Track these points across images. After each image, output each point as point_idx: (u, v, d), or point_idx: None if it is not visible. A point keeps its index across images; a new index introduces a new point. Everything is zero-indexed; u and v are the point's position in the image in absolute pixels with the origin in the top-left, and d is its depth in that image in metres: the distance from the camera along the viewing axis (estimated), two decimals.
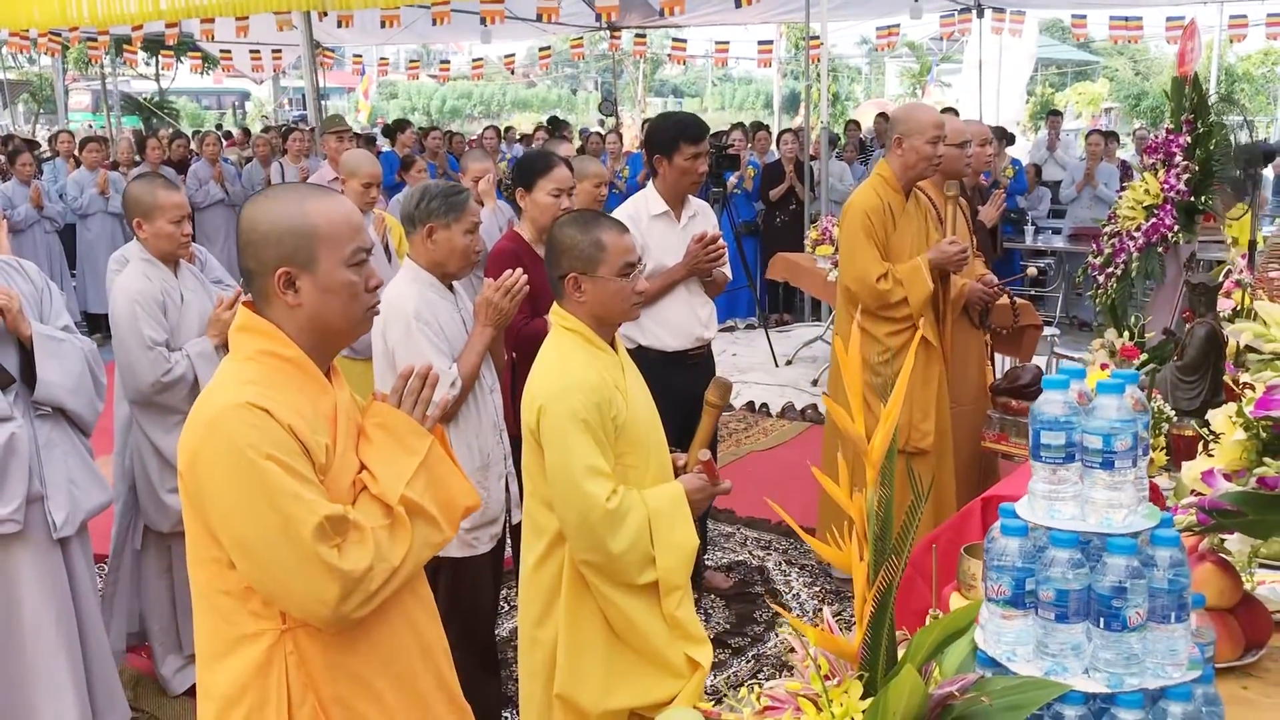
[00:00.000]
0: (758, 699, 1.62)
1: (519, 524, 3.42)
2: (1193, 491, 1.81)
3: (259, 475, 1.81)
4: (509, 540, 3.65)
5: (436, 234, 3.31)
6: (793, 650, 1.63)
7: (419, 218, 3.31)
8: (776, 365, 8.94)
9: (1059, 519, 1.55)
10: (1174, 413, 2.84)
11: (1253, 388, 1.85)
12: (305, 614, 1.88)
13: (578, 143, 13.29)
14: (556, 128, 14.07)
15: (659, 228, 4.32)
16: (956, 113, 12.31)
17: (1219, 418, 1.85)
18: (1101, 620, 1.49)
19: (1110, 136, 11.56)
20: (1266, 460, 1.70)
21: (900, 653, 1.55)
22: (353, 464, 1.98)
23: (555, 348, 2.70)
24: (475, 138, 14.68)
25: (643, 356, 4.23)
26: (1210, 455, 1.91)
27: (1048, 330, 6.98)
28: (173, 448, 3.68)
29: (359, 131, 14.80)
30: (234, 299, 3.79)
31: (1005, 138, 10.76)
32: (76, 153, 10.78)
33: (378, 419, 2.04)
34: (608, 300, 2.66)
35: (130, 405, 3.76)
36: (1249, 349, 1.98)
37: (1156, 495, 2.38)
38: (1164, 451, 2.70)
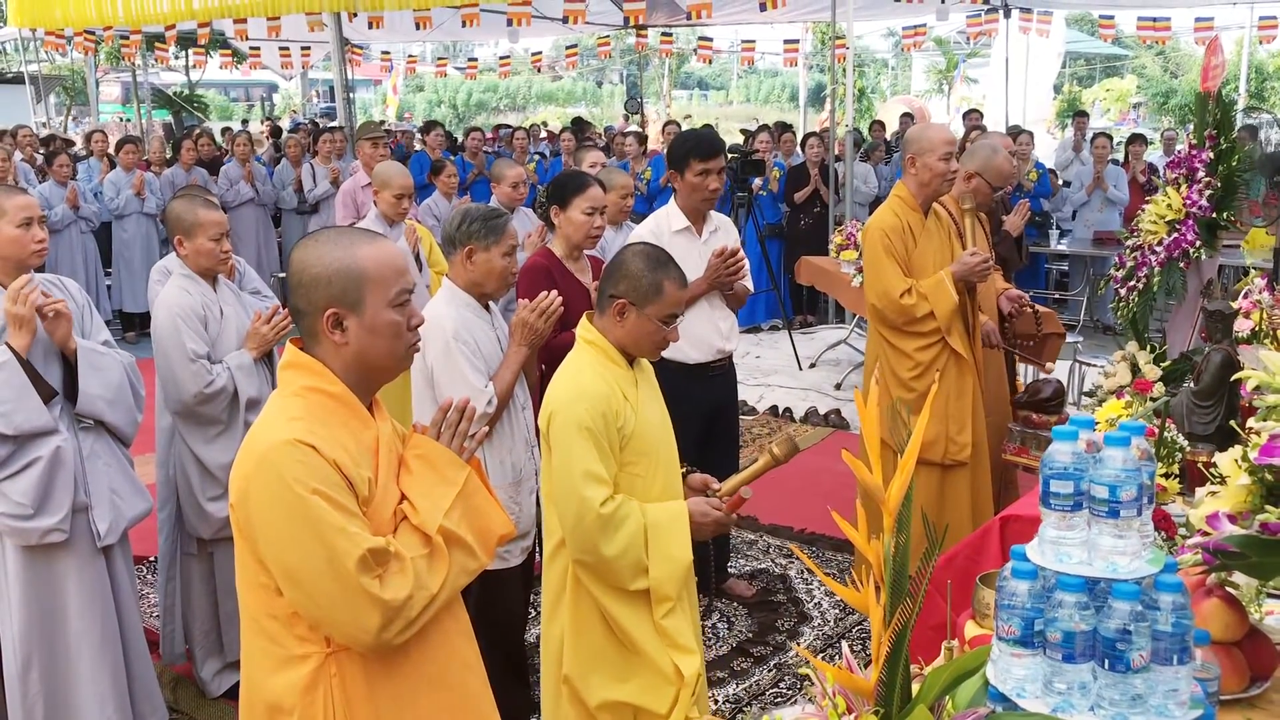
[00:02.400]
0: None
1: None
2: (1199, 532, 1.88)
3: (306, 509, 1.91)
4: (539, 551, 3.75)
5: (475, 255, 3.41)
6: (810, 681, 1.71)
7: (459, 240, 3.41)
8: (800, 369, 9.00)
9: (1067, 563, 1.63)
10: (1187, 438, 2.90)
11: (1258, 433, 1.92)
12: (349, 640, 1.98)
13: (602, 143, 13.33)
14: (581, 130, 14.10)
15: (680, 243, 4.39)
16: (981, 114, 12.39)
17: (1226, 461, 1.91)
18: (1106, 661, 1.57)
19: (1137, 139, 11.52)
20: (1269, 507, 1.77)
21: (915, 689, 1.63)
22: (394, 495, 2.08)
23: (574, 359, 2.87)
24: (492, 132, 14.79)
25: (664, 369, 4.30)
26: (1216, 493, 1.97)
27: (1070, 337, 7.01)
28: (213, 458, 3.81)
29: (391, 129, 14.93)
30: (271, 313, 3.89)
31: (1025, 135, 10.75)
32: (111, 151, 10.93)
33: (417, 450, 2.13)
34: (641, 337, 2.83)
35: (172, 416, 3.87)
36: (1257, 390, 2.04)
37: (1168, 524, 2.45)
38: (1177, 479, 2.76)
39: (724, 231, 4.56)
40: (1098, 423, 2.83)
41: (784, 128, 12.31)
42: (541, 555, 3.71)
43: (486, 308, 3.52)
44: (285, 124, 21.43)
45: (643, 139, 12.44)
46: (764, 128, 11.82)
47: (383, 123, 12.07)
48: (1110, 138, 11.25)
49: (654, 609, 2.76)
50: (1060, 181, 11.09)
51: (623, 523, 2.69)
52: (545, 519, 2.93)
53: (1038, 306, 5.33)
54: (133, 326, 10.46)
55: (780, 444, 2.86)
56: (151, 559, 5.21)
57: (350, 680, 2.02)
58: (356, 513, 1.97)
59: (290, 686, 2.01)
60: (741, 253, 4.43)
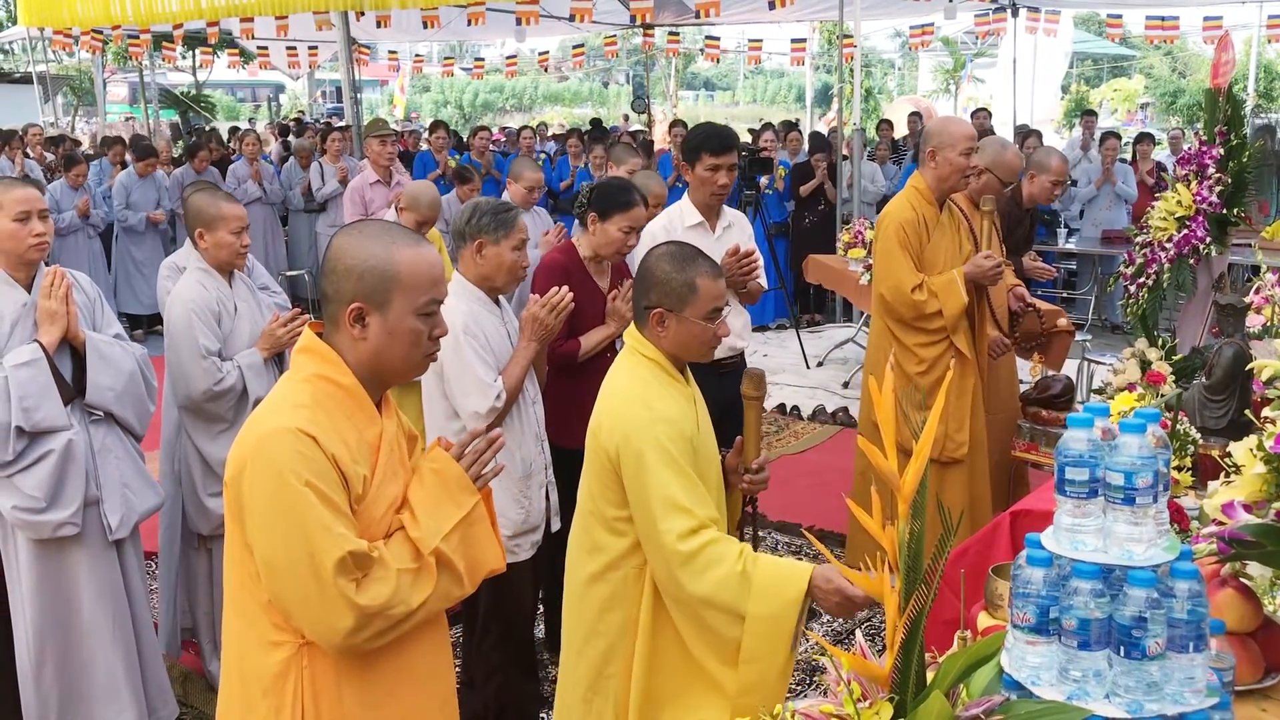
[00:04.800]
0: (792, 717, 1.70)
1: (557, 531, 3.53)
2: (1214, 521, 1.88)
3: (296, 500, 1.91)
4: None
5: (485, 249, 3.41)
6: (824, 672, 1.71)
7: (469, 233, 3.41)
8: (808, 367, 9.01)
9: (1082, 551, 1.63)
10: (1200, 432, 2.89)
11: (1274, 422, 1.91)
12: (318, 637, 1.97)
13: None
14: (602, 134, 14.02)
15: (693, 238, 4.36)
16: (989, 113, 12.37)
17: (1241, 450, 1.91)
18: (1122, 648, 1.56)
19: (1145, 138, 11.51)
20: None
21: (929, 676, 1.63)
22: (389, 495, 2.06)
23: (633, 375, 2.69)
24: (499, 132, 14.80)
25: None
26: (1230, 483, 1.97)
27: (1079, 335, 7.00)
28: (216, 454, 3.81)
29: (396, 129, 14.94)
30: (290, 316, 3.88)
31: (1034, 138, 10.76)
32: (128, 157, 10.90)
33: (435, 464, 2.12)
34: (688, 341, 2.66)
35: (179, 410, 3.88)
36: (1270, 382, 2.04)
37: (1180, 516, 2.45)
38: (1190, 472, 2.75)
39: (738, 227, 4.55)
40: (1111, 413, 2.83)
41: (790, 126, 12.31)
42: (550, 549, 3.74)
43: (496, 302, 3.52)
44: (303, 119, 21.36)
45: (649, 144, 12.43)
46: (768, 126, 11.82)
47: (398, 134, 12.04)
48: (1119, 137, 11.25)
49: (740, 667, 2.47)
50: (1069, 180, 11.07)
51: (711, 564, 2.44)
52: (589, 539, 2.73)
53: (1039, 305, 5.33)
54: (139, 325, 10.46)
55: (747, 384, 2.78)
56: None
57: (319, 675, 2.01)
58: (345, 512, 1.96)
59: (264, 671, 2.01)
60: (757, 253, 4.42)
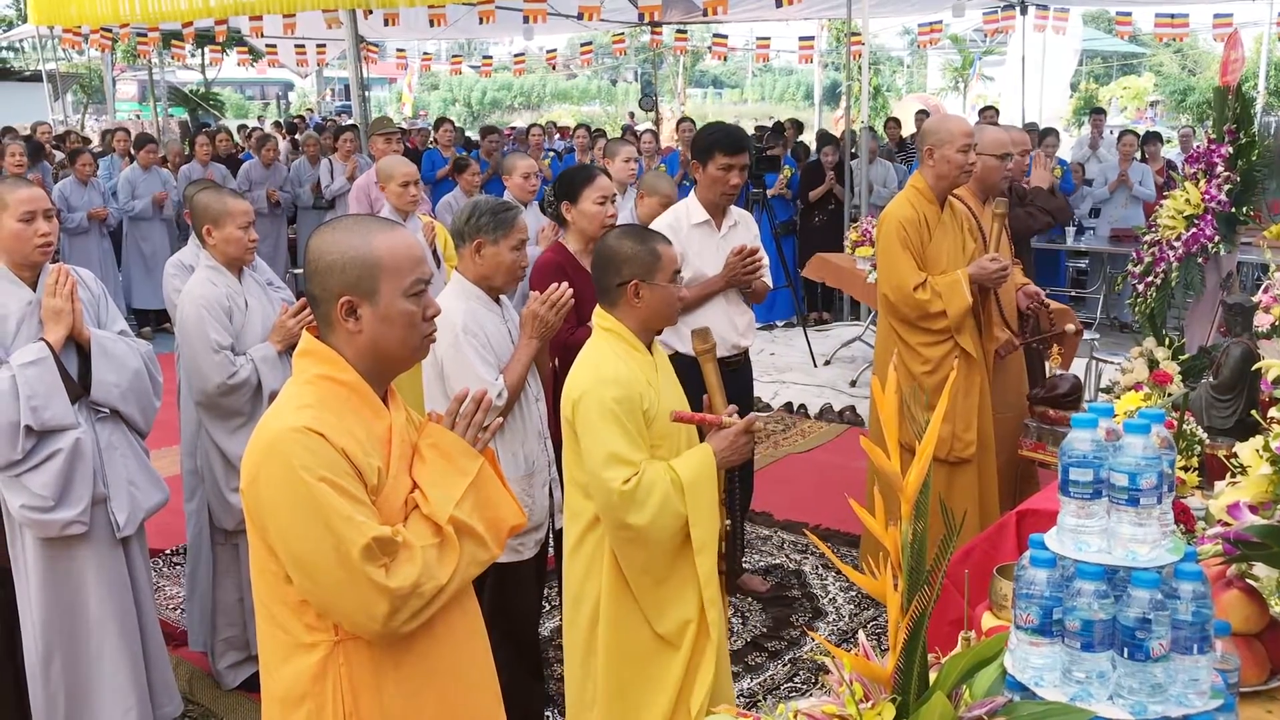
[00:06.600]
0: (794, 717, 1.70)
1: (561, 529, 3.53)
2: (1219, 522, 1.87)
3: (313, 496, 1.91)
4: (551, 543, 3.74)
5: (484, 249, 3.41)
6: (828, 671, 1.71)
7: (468, 233, 3.41)
8: (815, 365, 8.99)
9: (1086, 552, 1.62)
10: (1207, 432, 2.88)
11: (1279, 423, 1.90)
12: (357, 628, 1.98)
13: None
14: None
15: (698, 236, 4.39)
16: (997, 111, 12.35)
17: (1246, 451, 1.90)
18: (1126, 650, 1.56)
19: (1154, 137, 11.46)
20: None
21: (932, 677, 1.62)
22: (405, 484, 2.07)
23: (594, 347, 2.90)
24: (509, 130, 14.80)
25: (679, 363, 4.31)
26: (1236, 483, 1.96)
27: (1088, 334, 6.97)
28: (235, 449, 3.82)
29: (406, 127, 14.97)
30: (299, 307, 3.89)
31: (1052, 135, 10.70)
32: (132, 150, 10.93)
33: (431, 440, 2.13)
34: (660, 306, 2.88)
35: (196, 407, 3.89)
36: (1277, 382, 2.03)
37: (1186, 516, 2.44)
38: (1196, 473, 2.74)
39: (743, 226, 4.54)
40: (1116, 413, 2.82)
41: (798, 128, 12.28)
42: (555, 551, 3.74)
43: (497, 300, 3.51)
44: (309, 119, 21.39)
45: (656, 138, 12.42)
46: (779, 126, 11.78)
47: (405, 132, 12.03)
48: (1137, 135, 11.18)
49: (698, 559, 2.79)
50: (1084, 177, 11.03)
51: (650, 491, 2.71)
52: (568, 504, 2.94)
53: (1051, 303, 5.31)
54: (148, 322, 10.48)
55: (696, 342, 2.95)
56: (167, 551, 5.25)
57: (357, 670, 2.02)
58: (364, 501, 1.96)
59: (301, 674, 2.01)
60: (761, 251, 4.41)
